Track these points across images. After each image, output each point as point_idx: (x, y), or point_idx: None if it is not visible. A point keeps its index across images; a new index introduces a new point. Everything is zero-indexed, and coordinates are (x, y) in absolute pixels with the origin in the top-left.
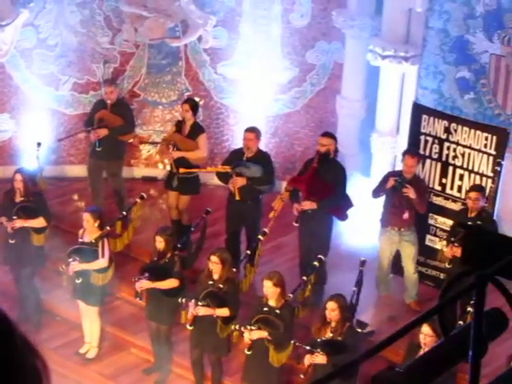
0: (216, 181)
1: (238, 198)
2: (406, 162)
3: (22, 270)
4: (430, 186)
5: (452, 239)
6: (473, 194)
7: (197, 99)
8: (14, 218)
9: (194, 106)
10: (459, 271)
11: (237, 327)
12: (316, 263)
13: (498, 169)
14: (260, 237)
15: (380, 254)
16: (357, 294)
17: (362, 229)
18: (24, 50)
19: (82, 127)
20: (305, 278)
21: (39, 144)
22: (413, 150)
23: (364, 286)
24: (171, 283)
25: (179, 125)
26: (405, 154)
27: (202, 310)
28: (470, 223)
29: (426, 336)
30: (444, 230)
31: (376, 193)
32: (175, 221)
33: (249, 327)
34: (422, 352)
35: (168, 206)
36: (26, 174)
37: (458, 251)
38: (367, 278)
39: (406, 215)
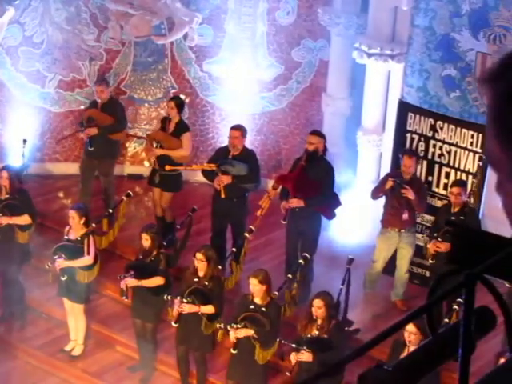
0: (200, 178)
1: (223, 196)
2: (404, 162)
3: (7, 267)
4: None
5: (435, 234)
6: (455, 189)
7: (182, 97)
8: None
9: (180, 104)
10: (446, 269)
11: (222, 326)
12: (301, 261)
13: (480, 164)
14: (246, 234)
15: (376, 254)
16: (345, 292)
17: (350, 227)
18: (10, 48)
19: (72, 126)
20: (290, 275)
21: (25, 141)
22: (409, 150)
23: (350, 284)
24: (157, 281)
25: (164, 122)
26: (403, 154)
27: (187, 308)
28: (453, 219)
29: (411, 334)
30: (430, 228)
31: (375, 194)
32: (160, 218)
33: (235, 325)
34: (407, 350)
35: (153, 202)
36: (11, 171)
37: (441, 246)
38: (353, 277)
39: (405, 216)
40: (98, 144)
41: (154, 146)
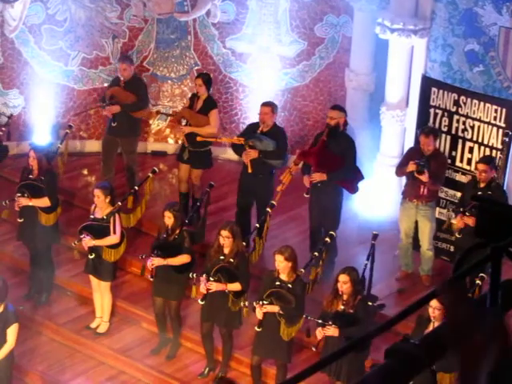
0: (227, 155)
1: (250, 170)
2: (421, 141)
3: (34, 247)
4: None
5: (461, 209)
6: (480, 166)
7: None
8: (18, 195)
9: (208, 81)
10: (471, 243)
11: (247, 303)
12: (327, 239)
13: (507, 139)
14: (268, 209)
15: (399, 225)
16: (370, 268)
17: (374, 202)
18: (33, 26)
19: (95, 103)
20: (316, 253)
21: (70, 127)
22: (426, 128)
23: (374, 260)
24: (183, 259)
25: (192, 99)
26: (420, 133)
27: (214, 286)
28: (480, 194)
29: (435, 309)
30: (454, 203)
31: (399, 172)
32: (183, 194)
33: (261, 302)
34: (432, 325)
35: (178, 178)
36: (39, 151)
37: (469, 221)
38: (377, 250)
39: (424, 190)
40: (120, 122)
41: (183, 124)
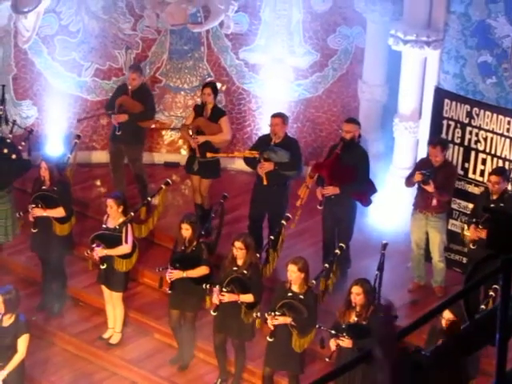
0: (237, 166)
1: (265, 182)
2: (429, 152)
3: (48, 257)
4: None
5: (474, 220)
6: (493, 178)
7: (219, 85)
8: (32, 206)
9: (215, 89)
10: (484, 255)
11: (259, 314)
12: (338, 251)
13: None
14: (283, 222)
15: (411, 237)
16: (379, 277)
17: (388, 213)
18: (46, 37)
19: (102, 111)
20: (327, 265)
21: (79, 136)
22: (434, 139)
23: (387, 270)
24: (202, 271)
25: (199, 109)
26: (428, 144)
27: (227, 297)
28: (493, 206)
29: (448, 321)
30: (466, 214)
31: (408, 183)
32: (199, 205)
33: (273, 313)
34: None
35: (193, 189)
36: (51, 162)
37: (482, 233)
38: (390, 262)
39: (434, 202)
40: (124, 130)
41: (190, 133)
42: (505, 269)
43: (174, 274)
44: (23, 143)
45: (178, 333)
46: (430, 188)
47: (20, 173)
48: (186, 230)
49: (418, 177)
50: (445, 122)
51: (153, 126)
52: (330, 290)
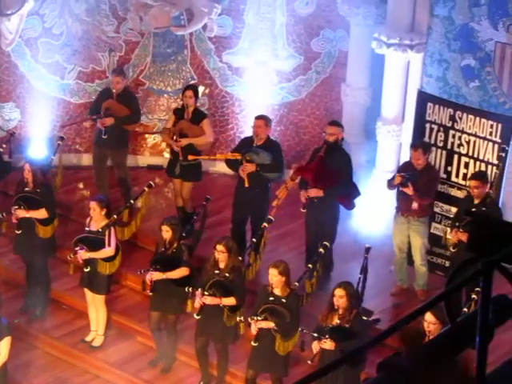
0: (219, 168)
1: (247, 184)
2: (411, 155)
3: (31, 260)
4: None
5: (457, 224)
6: (472, 182)
7: (202, 88)
8: (15, 207)
9: (196, 92)
10: (465, 258)
11: (242, 318)
12: (321, 250)
13: (503, 155)
14: (265, 224)
15: (393, 240)
16: (362, 281)
17: (371, 216)
18: (29, 39)
19: (86, 115)
20: (310, 265)
21: (62, 138)
22: (416, 142)
23: (370, 273)
24: (182, 272)
25: (179, 112)
26: (410, 147)
27: (209, 300)
28: (474, 210)
29: (430, 323)
30: (449, 218)
31: (389, 185)
32: (181, 208)
33: (255, 318)
34: (427, 339)
35: (174, 192)
36: (34, 164)
37: (463, 236)
38: (373, 265)
39: (414, 205)
40: (110, 134)
41: (174, 137)
42: (485, 272)
43: (154, 276)
44: (4, 145)
45: (157, 335)
46: (409, 191)
47: (1, 175)
48: (167, 232)
49: (397, 179)
50: (428, 125)
51: (137, 129)
52: (313, 289)
